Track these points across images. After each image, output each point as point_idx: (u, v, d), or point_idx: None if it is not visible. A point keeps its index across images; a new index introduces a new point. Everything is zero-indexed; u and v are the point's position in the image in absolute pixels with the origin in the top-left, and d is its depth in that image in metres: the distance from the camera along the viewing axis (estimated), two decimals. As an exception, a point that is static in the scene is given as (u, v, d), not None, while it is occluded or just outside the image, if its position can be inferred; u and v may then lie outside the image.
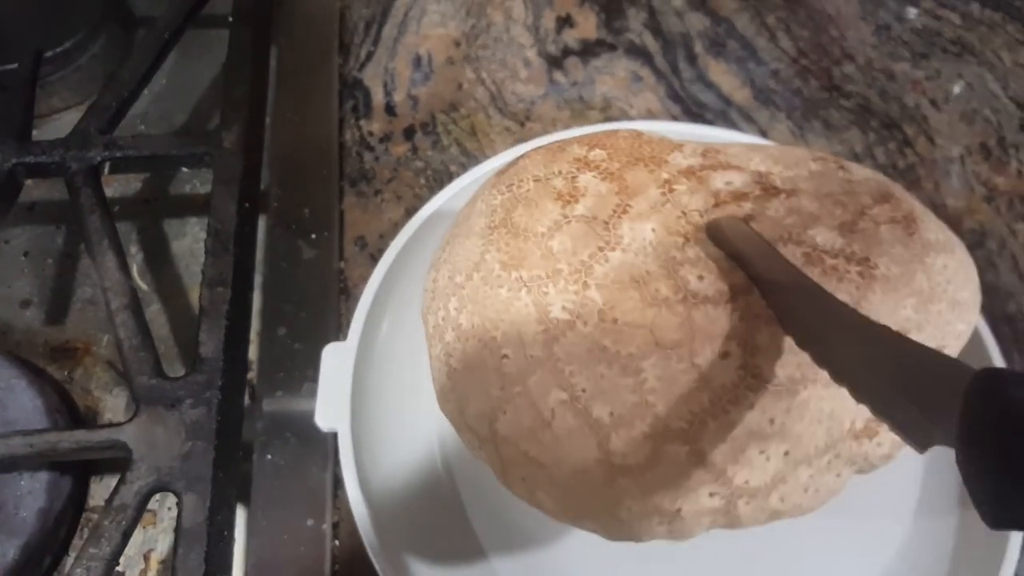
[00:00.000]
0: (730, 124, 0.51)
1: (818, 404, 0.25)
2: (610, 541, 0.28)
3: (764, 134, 0.51)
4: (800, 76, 0.54)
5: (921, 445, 0.19)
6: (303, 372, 0.42)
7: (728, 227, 0.27)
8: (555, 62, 0.55)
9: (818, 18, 0.58)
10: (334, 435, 0.40)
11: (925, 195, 0.48)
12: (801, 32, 0.57)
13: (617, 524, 0.26)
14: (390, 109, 0.52)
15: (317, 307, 0.44)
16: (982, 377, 0.17)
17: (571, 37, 0.56)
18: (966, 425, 0.17)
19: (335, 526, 0.38)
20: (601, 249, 0.28)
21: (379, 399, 0.38)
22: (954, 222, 0.47)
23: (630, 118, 0.52)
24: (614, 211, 0.29)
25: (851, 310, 0.22)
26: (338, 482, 0.39)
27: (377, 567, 0.33)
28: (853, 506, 0.34)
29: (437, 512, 0.37)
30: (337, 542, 0.38)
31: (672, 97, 0.53)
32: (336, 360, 0.37)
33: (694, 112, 0.52)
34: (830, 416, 0.25)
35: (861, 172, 0.31)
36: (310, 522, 0.38)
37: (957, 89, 0.54)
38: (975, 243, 0.47)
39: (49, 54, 0.52)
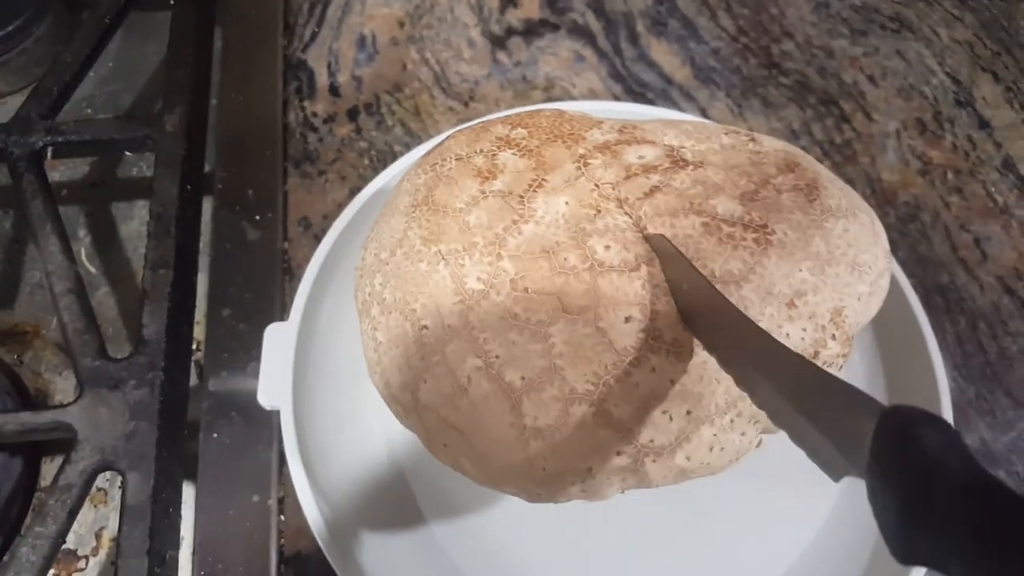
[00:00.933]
0: (671, 103, 0.52)
1: (716, 365, 0.26)
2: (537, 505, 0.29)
3: (704, 113, 0.52)
4: (740, 55, 0.55)
5: (836, 476, 0.19)
6: (248, 352, 0.42)
7: (660, 249, 0.28)
8: (499, 42, 0.55)
9: (758, -4, 0.59)
10: (278, 413, 0.41)
11: (861, 169, 0.50)
12: (741, 10, 0.58)
13: (534, 486, 0.27)
14: (334, 90, 0.53)
15: (261, 288, 0.44)
16: (890, 417, 0.17)
17: (515, 17, 0.57)
18: (874, 465, 0.17)
19: (280, 501, 0.39)
20: (515, 222, 0.29)
21: (322, 378, 0.39)
22: (889, 196, 0.49)
23: (572, 98, 0.52)
24: (529, 186, 0.30)
25: (773, 340, 0.22)
26: (283, 459, 0.40)
27: (320, 542, 0.34)
28: (789, 469, 0.36)
29: (380, 487, 0.38)
30: (283, 517, 0.39)
31: (614, 76, 0.54)
32: (278, 340, 0.38)
33: (635, 91, 0.53)
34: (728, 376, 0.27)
35: (772, 144, 0.33)
36: (256, 498, 0.39)
37: (893, 64, 0.55)
38: (909, 216, 0.48)
39: (-8, 37, 0.52)
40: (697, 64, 0.54)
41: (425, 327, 0.29)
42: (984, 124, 0.52)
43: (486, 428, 0.27)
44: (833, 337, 0.28)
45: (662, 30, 0.56)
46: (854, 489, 0.38)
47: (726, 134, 0.33)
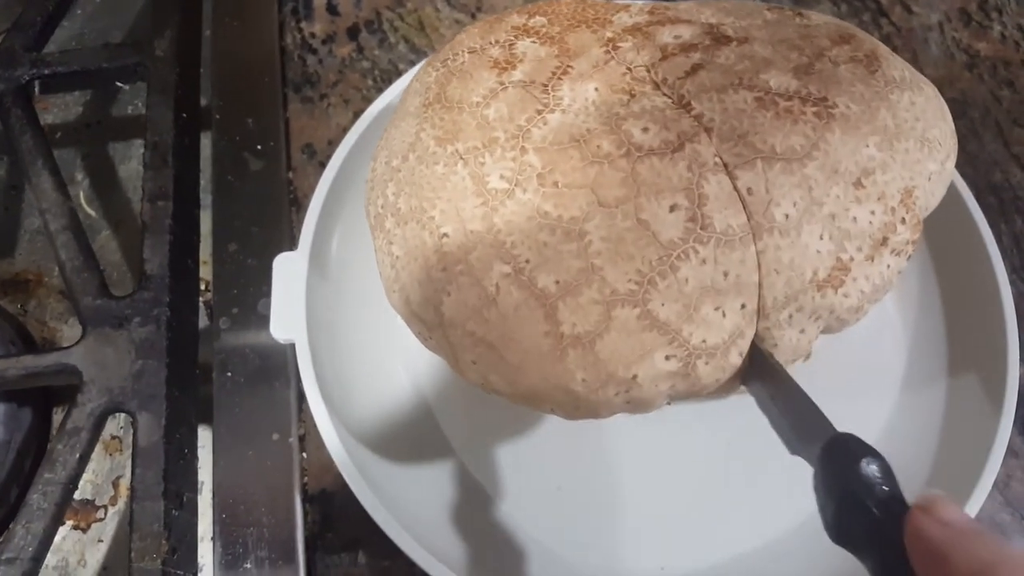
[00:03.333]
0: None
1: (776, 254, 0.24)
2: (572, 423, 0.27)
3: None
4: (765, -53, 0.52)
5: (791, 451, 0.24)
6: (258, 287, 0.40)
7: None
8: (505, -49, 0.52)
9: None
10: (293, 347, 0.39)
11: (899, 66, 0.46)
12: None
13: (573, 399, 0.25)
14: (332, 8, 0.50)
15: (267, 220, 0.42)
16: (831, 443, 0.22)
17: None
18: (817, 473, 0.22)
19: (302, 439, 0.37)
20: (539, 112, 0.26)
21: (336, 307, 0.37)
22: (932, 92, 0.46)
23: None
24: (553, 73, 0.27)
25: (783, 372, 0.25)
26: (302, 395, 0.38)
27: (344, 474, 0.32)
28: (838, 381, 0.34)
29: (403, 417, 0.37)
30: (305, 454, 0.37)
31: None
32: (288, 270, 0.36)
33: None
34: (789, 265, 0.24)
35: (820, 18, 0.30)
36: (276, 436, 0.37)
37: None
38: (957, 113, 0.45)
39: (-28, -24, 0.50)
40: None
41: (445, 235, 0.26)
42: (1034, 10, 0.49)
43: (518, 339, 0.25)
44: (903, 220, 0.25)
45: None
46: (911, 402, 0.36)
47: (769, 10, 0.30)
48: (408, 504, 0.32)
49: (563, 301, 0.24)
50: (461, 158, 0.26)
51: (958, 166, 0.41)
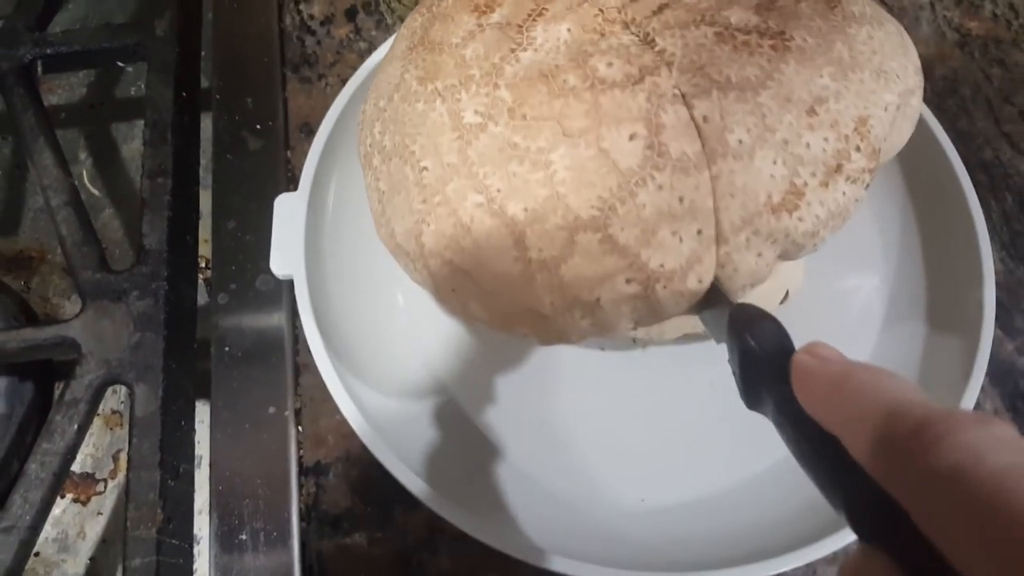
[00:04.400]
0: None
1: (730, 178, 0.25)
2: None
3: None
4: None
5: (717, 340, 0.25)
6: (255, 263, 0.41)
7: None
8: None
9: None
10: (292, 323, 0.40)
11: (894, 47, 0.46)
12: None
13: (543, 323, 0.26)
14: (331, -11, 0.50)
15: (266, 198, 0.42)
16: (732, 312, 0.24)
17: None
18: (727, 343, 0.24)
19: (297, 412, 0.38)
20: (513, 51, 0.27)
21: (334, 246, 0.38)
22: (925, 70, 0.45)
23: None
24: (529, 15, 0.28)
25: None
26: (298, 369, 0.39)
27: (340, 405, 0.33)
28: (820, 318, 0.36)
29: (396, 351, 0.38)
30: (300, 428, 0.38)
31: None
32: (288, 209, 0.37)
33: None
34: (743, 189, 0.25)
35: None
36: (272, 410, 0.38)
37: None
38: (947, 90, 0.45)
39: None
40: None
41: (425, 168, 0.27)
42: (1028, -11, 0.49)
43: (491, 266, 0.26)
44: (857, 149, 0.26)
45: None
46: (888, 352, 0.37)
47: None
48: (399, 433, 0.34)
49: (531, 228, 0.25)
50: (439, 95, 0.28)
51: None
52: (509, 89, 0.26)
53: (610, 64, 0.26)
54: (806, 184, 0.25)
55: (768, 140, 0.25)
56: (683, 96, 0.25)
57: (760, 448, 0.34)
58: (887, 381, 0.18)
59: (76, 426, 0.34)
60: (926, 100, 0.40)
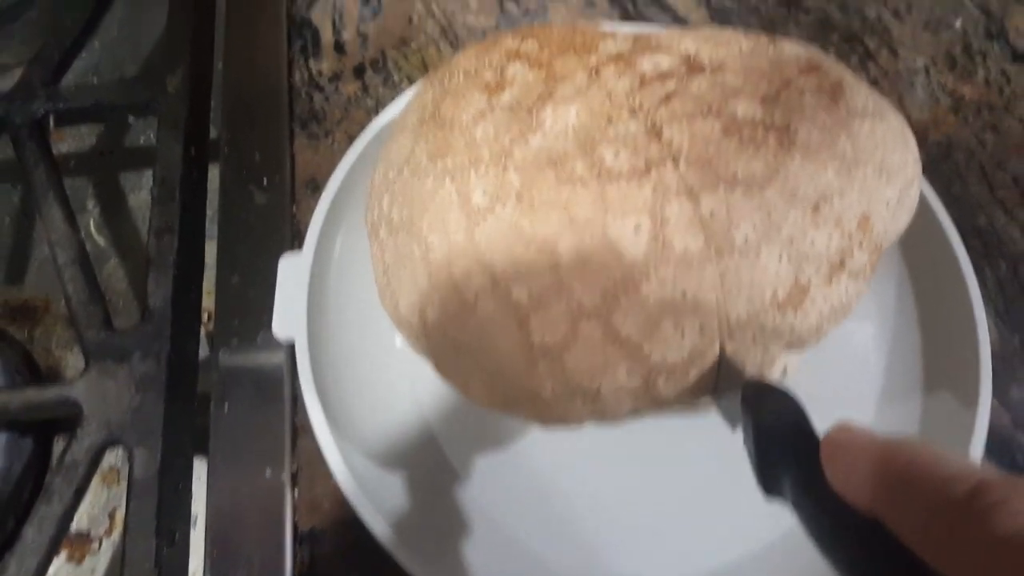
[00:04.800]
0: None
1: (736, 274, 0.25)
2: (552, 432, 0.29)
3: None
4: (759, -8, 0.52)
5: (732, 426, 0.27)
6: (259, 320, 0.41)
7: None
8: (507, -10, 0.53)
9: (780, -69, 0.55)
10: (292, 383, 0.40)
11: (893, 110, 0.47)
12: (761, -54, 0.55)
13: (544, 407, 0.27)
14: (339, 47, 0.51)
15: (271, 253, 0.43)
16: (746, 387, 0.24)
17: (524, -36, 0.54)
18: (743, 424, 0.24)
19: (294, 476, 0.38)
20: (523, 133, 0.28)
21: (337, 309, 0.38)
22: (919, 135, 0.46)
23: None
24: (539, 97, 0.29)
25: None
26: (296, 431, 0.39)
27: (335, 473, 0.33)
28: (818, 396, 0.35)
29: (397, 419, 0.37)
30: (296, 492, 0.37)
31: (626, 20, 0.51)
32: (292, 269, 0.37)
33: (654, 36, 0.50)
34: (749, 286, 0.25)
35: (792, 48, 0.31)
36: (268, 472, 0.37)
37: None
38: (941, 155, 0.46)
39: (-7, 9, 0.51)
40: (713, 5, 0.52)
41: (431, 246, 0.28)
42: (1018, 56, 0.49)
43: (494, 348, 0.26)
44: (860, 245, 0.26)
45: (678, -32, 0.53)
46: (889, 403, 0.37)
47: (746, 39, 0.31)
48: (395, 503, 0.34)
49: (534, 313, 0.25)
50: (449, 174, 0.28)
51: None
52: (518, 173, 0.27)
53: (617, 154, 0.26)
54: (811, 281, 0.25)
55: (774, 237, 0.25)
56: (689, 190, 0.25)
57: (761, 524, 0.34)
58: (936, 453, 0.17)
59: (74, 489, 0.34)
60: (922, 165, 0.41)
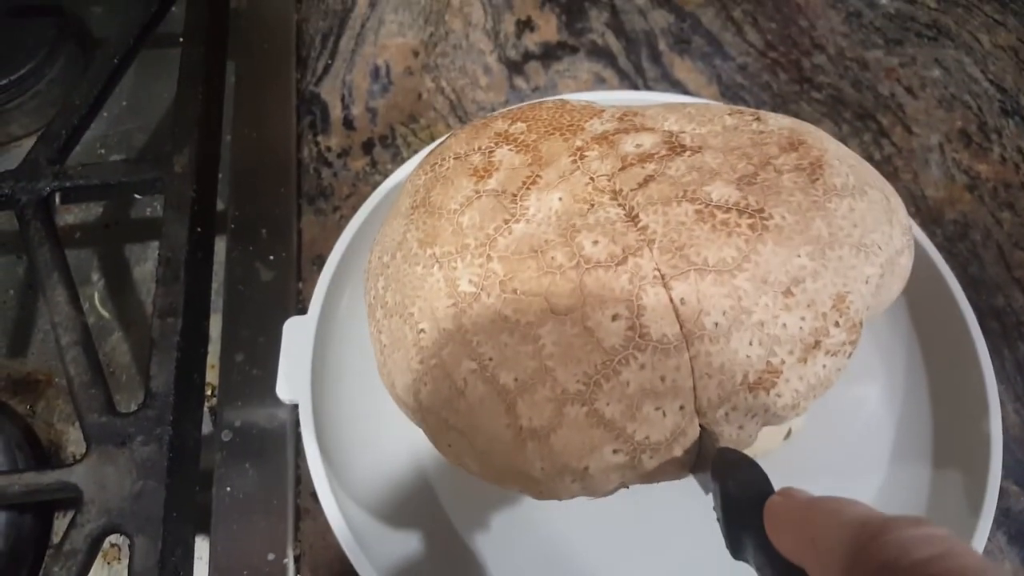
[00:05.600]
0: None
1: (707, 359, 0.26)
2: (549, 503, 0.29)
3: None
4: (769, 70, 0.53)
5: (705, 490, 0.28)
6: (262, 399, 0.41)
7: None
8: (516, 67, 0.53)
9: (786, 9, 0.56)
10: (296, 464, 0.39)
11: (904, 186, 0.47)
12: (769, 24, 0.55)
13: (535, 484, 0.27)
14: (348, 123, 0.51)
15: (275, 331, 0.42)
16: (716, 458, 0.25)
17: (532, 41, 0.55)
18: (712, 487, 0.25)
19: (297, 559, 0.37)
20: (507, 222, 0.29)
21: (340, 372, 0.39)
22: (935, 214, 0.46)
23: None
24: (524, 183, 0.30)
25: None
26: (299, 514, 0.38)
27: (339, 538, 0.33)
28: (827, 460, 0.36)
29: (400, 483, 0.38)
30: None
31: (636, 97, 0.52)
32: (297, 333, 0.38)
33: (661, 112, 0.51)
34: (720, 370, 0.26)
35: (777, 123, 0.31)
36: (271, 556, 0.37)
37: (933, 74, 0.53)
38: (958, 234, 0.45)
39: (4, 81, 0.52)
40: (724, 81, 0.52)
41: (422, 331, 0.29)
42: (1034, 134, 0.49)
43: (484, 430, 0.27)
44: (836, 324, 0.26)
45: (685, 48, 0.54)
46: (895, 489, 0.37)
47: (730, 114, 0.32)
48: (394, 559, 0.34)
49: (521, 397, 0.26)
50: (437, 261, 0.29)
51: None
52: (501, 262, 0.28)
53: (596, 242, 0.27)
54: (783, 362, 0.26)
55: (744, 322, 0.26)
56: (663, 277, 0.26)
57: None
58: (847, 505, 0.20)
59: (74, 576, 0.33)
60: (938, 245, 0.41)
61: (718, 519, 0.25)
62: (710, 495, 0.27)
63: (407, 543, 0.35)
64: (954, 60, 0.53)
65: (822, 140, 0.31)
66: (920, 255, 0.38)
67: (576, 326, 0.26)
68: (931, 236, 0.45)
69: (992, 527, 0.32)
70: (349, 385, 0.39)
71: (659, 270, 0.26)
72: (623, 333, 0.26)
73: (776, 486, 0.24)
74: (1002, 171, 0.48)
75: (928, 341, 0.39)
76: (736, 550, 0.24)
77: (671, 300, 0.26)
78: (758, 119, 0.32)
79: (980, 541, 0.32)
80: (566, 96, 0.40)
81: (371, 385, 0.37)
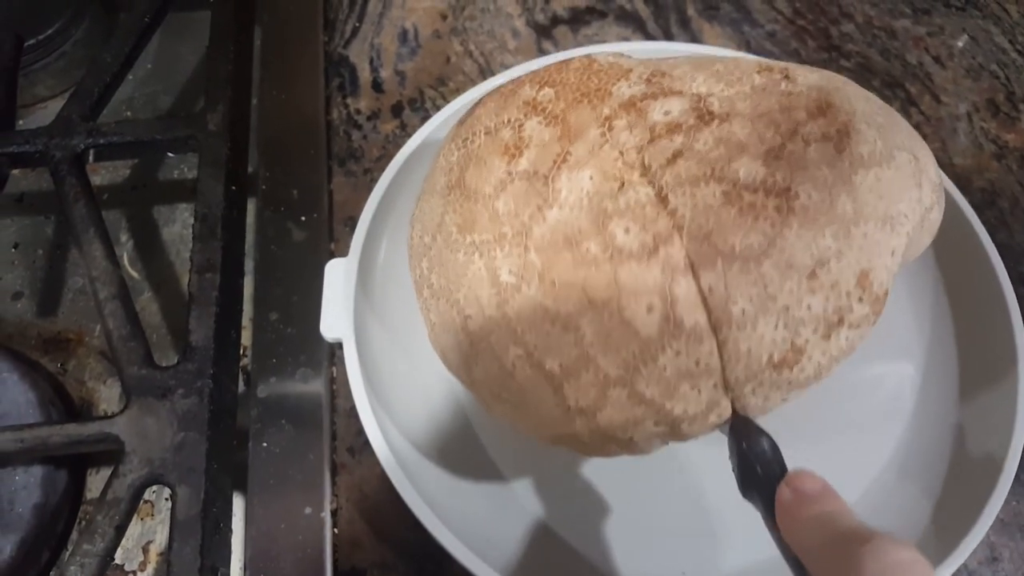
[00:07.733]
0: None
1: (735, 345, 0.26)
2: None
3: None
4: (797, 37, 0.53)
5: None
6: (296, 357, 0.41)
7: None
8: (544, 31, 0.53)
9: (815, -24, 0.56)
10: (331, 420, 0.39)
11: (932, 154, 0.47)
12: (797, -9, 0.55)
13: (584, 447, 0.30)
14: (377, 86, 0.51)
15: (309, 290, 0.43)
16: (733, 422, 0.28)
17: (560, 6, 0.55)
18: (728, 443, 0.28)
19: (334, 513, 0.37)
20: (540, 208, 0.29)
21: (381, 313, 0.40)
22: (963, 182, 0.46)
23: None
24: (554, 162, 0.30)
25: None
26: (336, 469, 0.39)
27: (385, 467, 0.33)
28: (850, 410, 0.39)
29: (442, 421, 0.39)
30: (336, 530, 0.37)
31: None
32: (338, 274, 0.39)
33: (689, 78, 0.51)
34: (747, 354, 0.27)
35: (806, 80, 0.31)
36: (308, 510, 0.37)
37: (961, 44, 0.53)
38: (986, 202, 0.46)
39: (31, 42, 0.51)
40: (753, 48, 0.52)
41: (469, 316, 0.30)
42: (1062, 103, 0.49)
43: (534, 406, 0.29)
44: (860, 300, 0.27)
45: (714, 14, 0.54)
46: (918, 439, 0.38)
47: (759, 72, 0.31)
48: (446, 502, 0.34)
49: (567, 381, 0.28)
50: (477, 249, 0.30)
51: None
52: (538, 253, 0.29)
53: (627, 230, 0.28)
54: (807, 341, 0.27)
55: (770, 308, 0.26)
56: (692, 265, 0.27)
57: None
58: (842, 527, 0.23)
59: (116, 526, 0.33)
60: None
61: (733, 468, 0.28)
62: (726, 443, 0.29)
63: (448, 475, 0.37)
64: (982, 30, 0.53)
65: (850, 99, 0.30)
66: (953, 214, 0.39)
67: (613, 317, 0.27)
68: (960, 203, 0.45)
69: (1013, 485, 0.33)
70: (390, 325, 0.40)
71: (689, 258, 0.27)
72: (658, 324, 0.27)
73: (806, 436, 0.28)
74: (1030, 140, 0.48)
75: (956, 293, 0.40)
76: (746, 495, 0.27)
77: (699, 289, 0.27)
78: (787, 77, 0.31)
79: (999, 500, 0.33)
80: (592, 50, 0.40)
81: (412, 325, 0.38)
